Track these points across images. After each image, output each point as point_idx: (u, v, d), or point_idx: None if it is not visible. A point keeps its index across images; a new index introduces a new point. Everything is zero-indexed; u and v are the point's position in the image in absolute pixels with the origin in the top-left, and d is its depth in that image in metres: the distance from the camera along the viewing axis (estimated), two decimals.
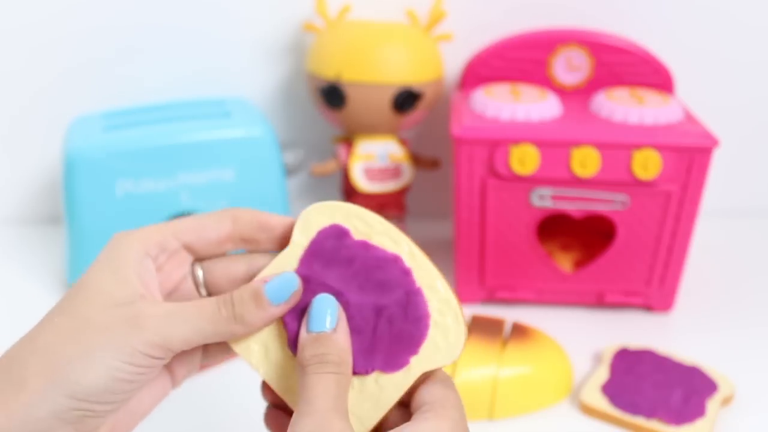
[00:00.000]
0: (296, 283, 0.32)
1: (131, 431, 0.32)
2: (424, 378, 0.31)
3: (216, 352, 0.35)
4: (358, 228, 0.33)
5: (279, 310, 0.31)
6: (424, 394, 0.30)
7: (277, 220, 0.33)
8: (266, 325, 0.32)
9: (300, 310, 0.32)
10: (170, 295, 0.34)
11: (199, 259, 0.34)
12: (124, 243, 0.32)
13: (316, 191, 0.78)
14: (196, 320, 0.30)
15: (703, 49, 0.71)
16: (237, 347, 0.33)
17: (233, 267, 0.34)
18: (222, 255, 0.34)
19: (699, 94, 0.67)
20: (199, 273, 0.34)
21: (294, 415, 0.28)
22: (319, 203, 0.33)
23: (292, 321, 0.32)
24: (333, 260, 0.32)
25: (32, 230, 0.75)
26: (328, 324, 0.30)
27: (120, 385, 0.29)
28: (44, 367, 0.28)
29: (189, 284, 0.34)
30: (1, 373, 0.29)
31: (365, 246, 0.32)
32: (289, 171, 0.66)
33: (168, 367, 0.34)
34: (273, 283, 0.31)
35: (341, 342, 0.30)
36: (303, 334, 0.31)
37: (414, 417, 0.29)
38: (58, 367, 0.28)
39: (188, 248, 0.33)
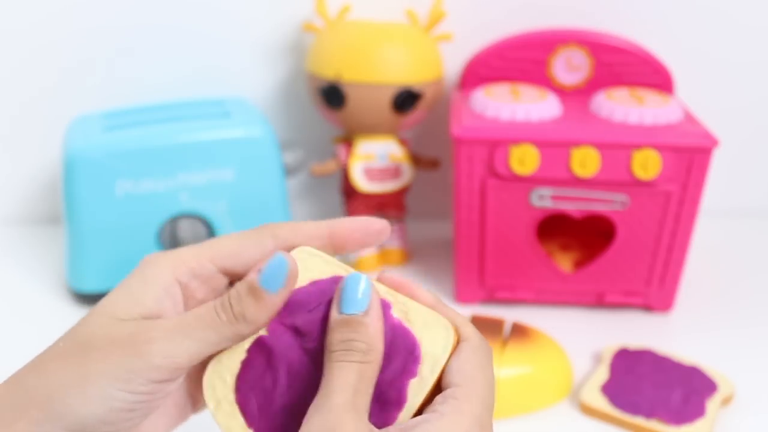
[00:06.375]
0: (287, 264, 0.29)
1: None
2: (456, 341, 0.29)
3: None
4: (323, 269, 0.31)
5: (279, 297, 0.29)
6: (453, 372, 0.28)
7: (314, 233, 0.32)
8: (272, 317, 0.30)
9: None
10: None
11: (236, 280, 0.32)
12: (153, 265, 0.30)
13: (316, 191, 0.78)
14: (197, 331, 0.29)
15: (703, 49, 0.71)
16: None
17: None
18: None
19: (699, 95, 0.67)
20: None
21: (311, 407, 0.27)
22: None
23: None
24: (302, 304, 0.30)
25: (32, 230, 0.75)
26: (359, 306, 0.28)
27: (118, 415, 0.28)
28: (44, 395, 0.27)
29: None
30: (6, 398, 0.28)
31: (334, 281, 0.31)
32: (288, 171, 0.66)
33: (188, 391, 0.33)
34: (265, 271, 0.29)
35: (372, 327, 0.28)
36: (334, 315, 0.29)
37: (434, 405, 0.27)
38: (57, 396, 0.27)
39: (225, 272, 0.32)
